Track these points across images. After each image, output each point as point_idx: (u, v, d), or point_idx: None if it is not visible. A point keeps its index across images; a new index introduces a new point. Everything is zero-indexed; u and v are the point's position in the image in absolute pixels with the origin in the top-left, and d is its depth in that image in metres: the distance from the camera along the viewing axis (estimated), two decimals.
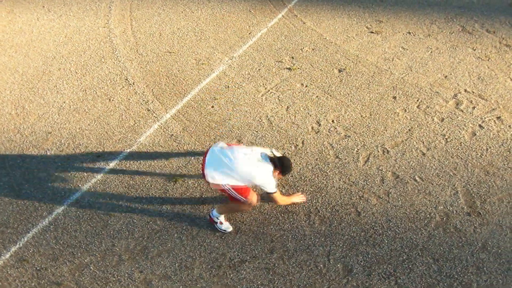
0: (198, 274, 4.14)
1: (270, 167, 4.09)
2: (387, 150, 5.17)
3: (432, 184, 4.79)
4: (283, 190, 4.78)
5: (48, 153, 5.31)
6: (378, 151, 5.17)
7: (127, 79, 6.32)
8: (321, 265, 4.17)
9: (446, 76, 6.08)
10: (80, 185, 4.94)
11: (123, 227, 4.53)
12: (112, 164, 5.15)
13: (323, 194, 4.76)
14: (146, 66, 6.55)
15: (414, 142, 5.24)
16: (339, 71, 6.31)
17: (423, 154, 5.10)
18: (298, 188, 4.82)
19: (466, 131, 5.33)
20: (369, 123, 5.50)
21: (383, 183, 4.84)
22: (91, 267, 4.22)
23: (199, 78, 6.31)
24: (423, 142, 5.23)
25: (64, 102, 5.99)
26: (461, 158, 5.03)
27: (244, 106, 5.82)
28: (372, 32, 7.03)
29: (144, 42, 7.03)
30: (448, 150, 5.12)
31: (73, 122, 5.69)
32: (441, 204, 4.60)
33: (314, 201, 4.70)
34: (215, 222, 4.40)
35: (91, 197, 4.81)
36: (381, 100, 5.80)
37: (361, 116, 5.61)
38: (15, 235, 4.51)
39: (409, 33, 6.96)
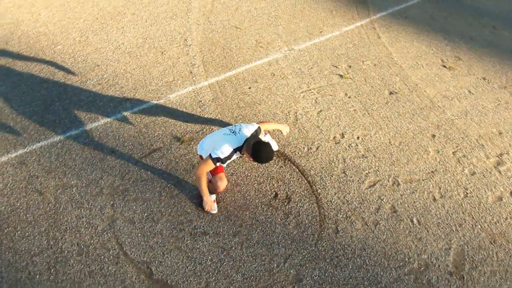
0: (159, 230, 4.27)
1: (234, 144, 4.03)
2: (398, 183, 4.89)
3: (427, 231, 4.47)
4: (274, 183, 4.74)
5: (88, 82, 5.72)
6: (388, 181, 4.91)
7: (186, 40, 6.57)
8: (275, 265, 4.10)
9: (501, 133, 5.59)
10: (99, 118, 5.28)
11: (117, 166, 4.78)
12: (135, 109, 5.42)
13: (311, 201, 4.64)
14: (209, 34, 6.75)
15: (431, 185, 4.90)
16: (390, 93, 6.04)
17: (434, 199, 4.77)
18: (290, 186, 4.74)
19: (493, 193, 4.88)
20: (393, 151, 5.24)
21: (377, 212, 4.60)
22: (74, 190, 4.52)
23: (250, 58, 6.38)
24: (440, 188, 4.88)
25: (123, 44, 6.39)
26: (473, 217, 4.62)
27: (279, 97, 5.80)
28: (444, 67, 6.63)
29: (218, 11, 7.24)
30: (463, 205, 4.73)
31: (121, 63, 6.06)
32: (427, 253, 4.29)
33: (300, 205, 4.61)
34: None
35: (103, 131, 5.12)
36: (418, 134, 5.48)
37: (389, 142, 5.35)
38: (27, 141, 4.95)
39: (484, 79, 6.46)
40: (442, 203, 4.74)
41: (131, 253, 4.07)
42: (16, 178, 4.59)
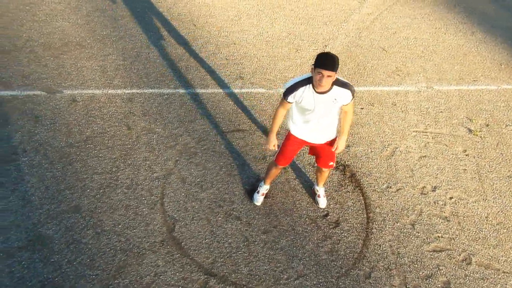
0: (201, 197, 4.43)
1: (303, 77, 3.57)
2: (470, 262, 4.19)
3: None
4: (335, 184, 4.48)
5: (218, 55, 6.18)
6: (459, 255, 4.24)
7: (326, 46, 6.58)
8: (285, 276, 3.91)
9: None
10: (209, 87, 5.67)
11: (199, 130, 5.09)
12: (243, 90, 5.67)
13: (359, 237, 4.28)
14: (352, 47, 6.63)
15: (511, 282, 4.08)
16: None
17: None
18: (346, 213, 4.44)
19: None
20: (485, 228, 4.49)
21: (426, 280, 4.02)
22: (154, 136, 4.97)
23: (380, 82, 6.08)
24: None
25: (266, 32, 6.69)
26: None
27: (387, 128, 5.43)
28: None
29: (374, 30, 7.04)
30: None
31: (255, 48, 6.37)
32: None
33: (345, 235, 4.29)
34: (256, 188, 4.50)
35: (206, 99, 5.49)
36: None
37: (486, 217, 4.59)
38: (144, 84, 5.60)
39: None
40: None
41: (167, 206, 4.32)
42: (118, 109, 5.23)
